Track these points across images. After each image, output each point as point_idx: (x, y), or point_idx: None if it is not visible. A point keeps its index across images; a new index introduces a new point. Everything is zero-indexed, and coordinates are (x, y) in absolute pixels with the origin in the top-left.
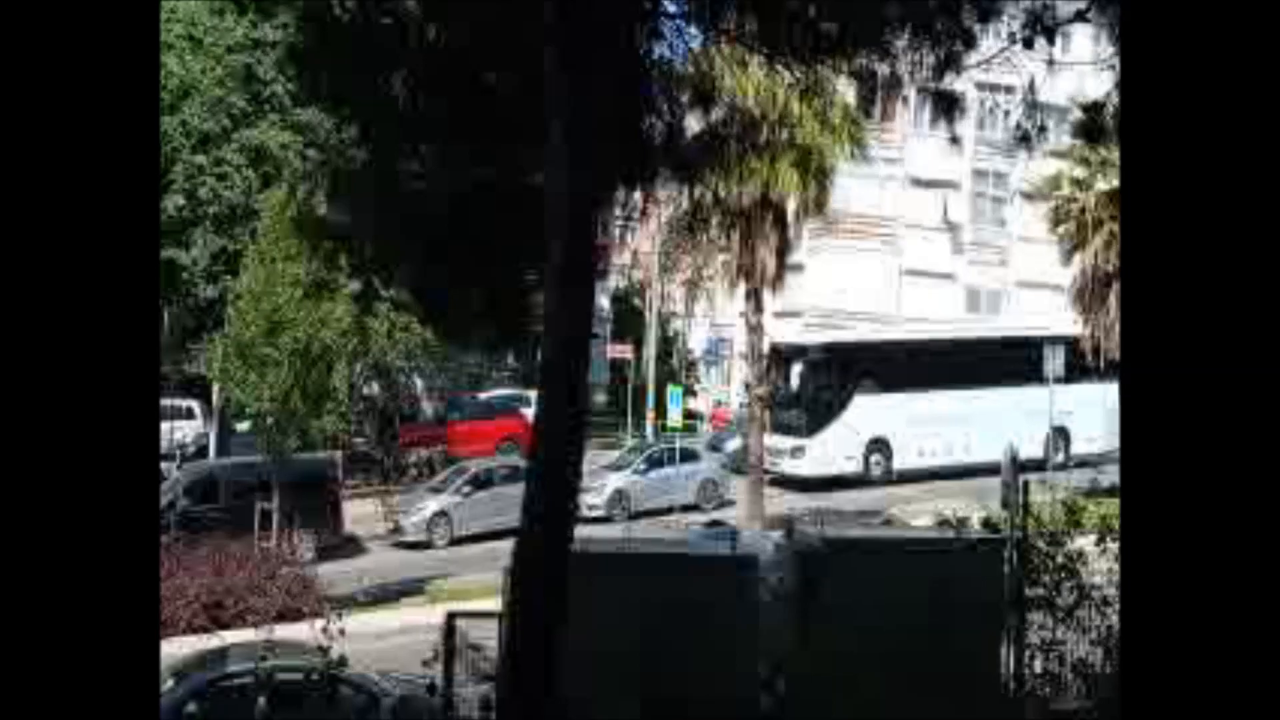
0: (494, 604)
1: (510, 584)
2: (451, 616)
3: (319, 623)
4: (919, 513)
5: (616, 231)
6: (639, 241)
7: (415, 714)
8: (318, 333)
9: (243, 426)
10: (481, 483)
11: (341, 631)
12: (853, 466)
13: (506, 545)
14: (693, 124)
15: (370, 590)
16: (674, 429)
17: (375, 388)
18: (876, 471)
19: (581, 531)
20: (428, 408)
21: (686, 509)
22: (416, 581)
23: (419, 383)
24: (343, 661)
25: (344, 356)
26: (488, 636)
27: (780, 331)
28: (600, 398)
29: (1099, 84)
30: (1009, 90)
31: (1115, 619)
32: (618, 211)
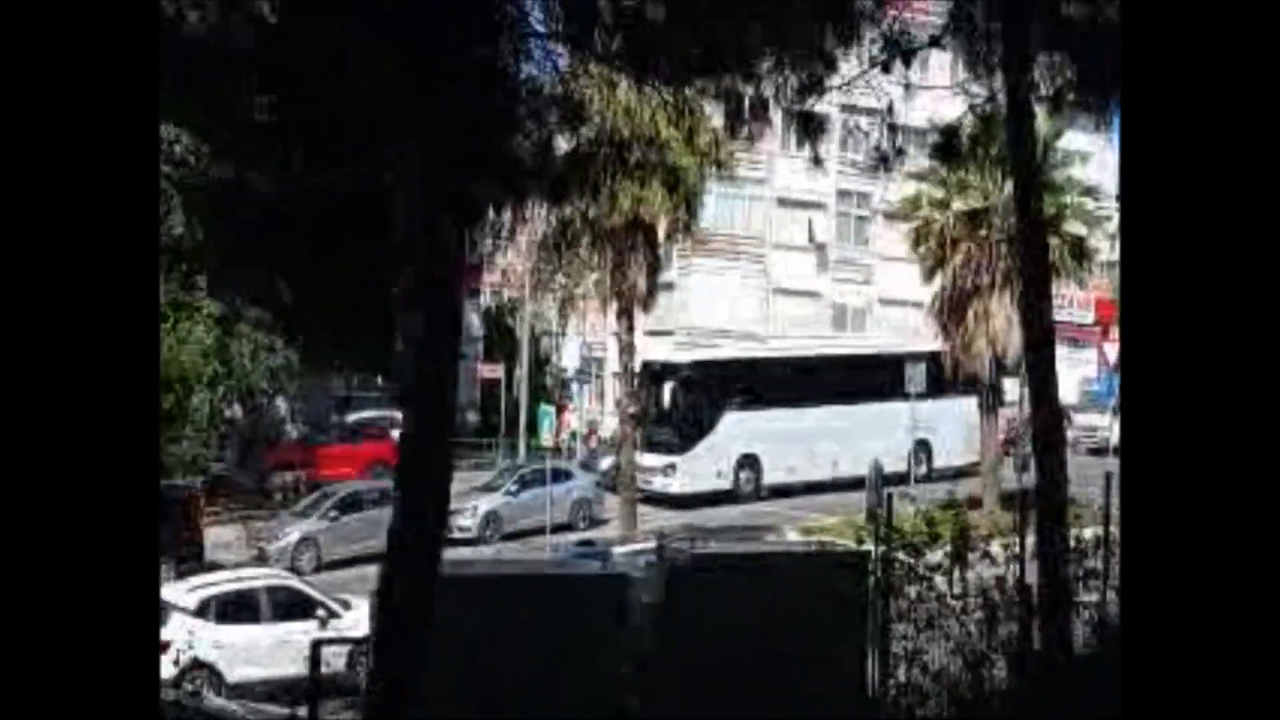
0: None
1: (377, 609)
2: (317, 644)
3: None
4: (790, 527)
5: (487, 250)
6: (510, 260)
7: None
8: (176, 355)
9: None
10: (349, 506)
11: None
12: (723, 483)
13: (375, 570)
14: (561, 144)
15: None
16: (545, 448)
17: (237, 410)
18: (747, 488)
19: (452, 554)
20: (292, 430)
21: (560, 529)
22: None
23: (282, 405)
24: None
25: (204, 379)
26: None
27: (651, 350)
28: (471, 418)
29: (955, 108)
30: (872, 113)
31: (974, 628)
32: (487, 230)
